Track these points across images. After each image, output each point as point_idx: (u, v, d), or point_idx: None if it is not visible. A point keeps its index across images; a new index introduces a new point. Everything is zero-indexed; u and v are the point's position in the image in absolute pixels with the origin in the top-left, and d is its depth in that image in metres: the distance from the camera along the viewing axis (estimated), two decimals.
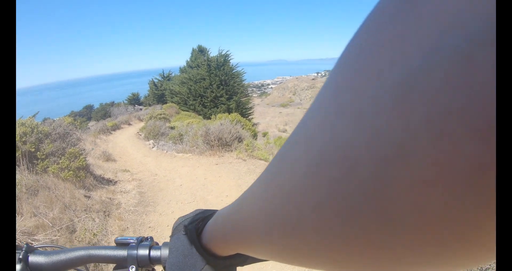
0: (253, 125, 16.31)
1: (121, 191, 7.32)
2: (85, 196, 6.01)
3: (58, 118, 7.99)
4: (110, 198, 6.56)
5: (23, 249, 0.73)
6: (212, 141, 9.94)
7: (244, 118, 15.34)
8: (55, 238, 3.86)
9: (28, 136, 6.29)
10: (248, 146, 9.63)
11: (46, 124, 7.29)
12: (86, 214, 5.13)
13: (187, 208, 6.14)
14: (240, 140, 10.06)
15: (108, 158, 11.25)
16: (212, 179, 7.82)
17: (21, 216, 4.13)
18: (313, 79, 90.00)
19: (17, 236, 3.45)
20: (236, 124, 10.50)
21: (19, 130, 6.20)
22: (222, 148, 9.85)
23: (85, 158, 7.20)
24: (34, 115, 10.93)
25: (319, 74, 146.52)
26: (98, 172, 8.41)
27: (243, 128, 10.83)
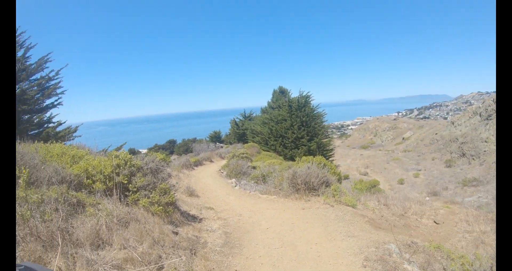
0: (336, 168, 16.00)
1: (207, 229, 7.35)
2: (173, 232, 6.06)
3: (146, 151, 8.21)
4: (196, 236, 6.58)
5: None
6: (298, 185, 9.83)
7: (329, 162, 15.11)
8: None
9: (121, 168, 6.58)
10: (335, 191, 9.40)
11: (138, 158, 7.57)
12: (174, 250, 5.16)
13: (275, 254, 5.99)
14: (327, 184, 9.86)
15: (191, 193, 11.47)
16: (299, 224, 7.63)
17: (111, 247, 4.19)
18: (394, 119, 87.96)
19: (107, 269, 3.47)
20: (323, 168, 10.31)
21: (113, 161, 6.51)
22: (308, 192, 9.69)
23: (174, 193, 7.34)
24: (121, 146, 11.41)
25: (400, 113, 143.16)
26: (184, 207, 8.55)
27: (329, 172, 10.61)
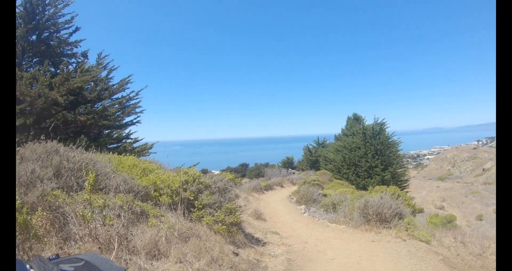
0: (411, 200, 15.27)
1: (269, 254, 7.15)
2: (234, 253, 5.97)
3: (219, 173, 8.33)
4: (257, 259, 6.42)
5: None
6: (369, 215, 9.37)
7: (403, 192, 14.48)
8: None
9: (189, 184, 6.70)
10: (409, 224, 8.84)
11: (207, 177, 7.61)
12: None
13: None
14: (400, 216, 9.31)
15: (258, 216, 11.37)
16: (367, 257, 7.17)
17: (167, 259, 4.13)
18: (474, 148, 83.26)
19: None
20: (397, 199, 9.78)
21: (182, 177, 6.63)
22: (380, 224, 9.19)
23: (240, 214, 7.26)
24: (195, 165, 11.63)
25: (480, 142, 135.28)
26: (249, 229, 8.43)
27: (403, 204, 10.06)
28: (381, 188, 11.96)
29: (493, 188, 49.98)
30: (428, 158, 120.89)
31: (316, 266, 6.79)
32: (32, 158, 5.37)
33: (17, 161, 5.13)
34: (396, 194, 10.87)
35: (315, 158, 38.44)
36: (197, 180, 6.84)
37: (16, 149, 6.10)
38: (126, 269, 0.64)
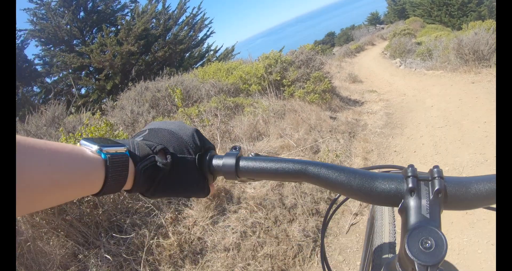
0: None
1: (367, 112, 7.30)
2: (331, 118, 6.17)
3: (299, 47, 8.32)
4: (356, 119, 6.60)
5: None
6: (466, 55, 8.85)
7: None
8: (298, 156, 4.03)
9: (273, 67, 6.83)
10: None
11: (288, 54, 7.72)
12: (331, 135, 5.24)
13: (438, 133, 5.60)
14: None
15: (354, 79, 11.36)
16: (467, 101, 6.92)
17: (268, 137, 4.45)
18: None
19: (262, 152, 3.71)
20: (493, 33, 9.06)
21: (264, 63, 6.85)
22: (478, 63, 8.67)
23: (330, 80, 7.36)
24: (281, 50, 11.72)
25: None
26: (345, 93, 8.53)
27: None
28: (475, 24, 10.98)
29: None
30: None
31: (415, 115, 6.82)
32: (129, 103, 6.10)
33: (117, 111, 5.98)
34: (492, 27, 10.03)
35: (401, 7, 35.93)
36: (279, 60, 6.95)
37: (114, 104, 6.89)
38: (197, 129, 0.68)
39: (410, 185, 0.58)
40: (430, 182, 0.59)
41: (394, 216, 1.14)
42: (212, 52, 15.61)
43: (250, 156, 0.73)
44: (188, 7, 14.86)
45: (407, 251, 0.52)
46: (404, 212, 0.59)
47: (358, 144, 5.41)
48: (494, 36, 8.64)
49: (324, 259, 0.86)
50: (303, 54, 7.56)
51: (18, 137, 0.46)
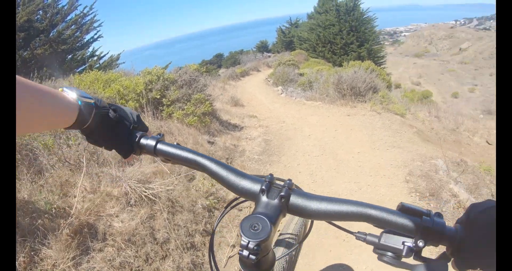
0: (387, 75, 15.30)
1: (246, 137, 7.17)
2: (209, 142, 5.93)
3: (184, 65, 8.02)
4: (234, 145, 6.44)
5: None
6: (344, 90, 9.34)
7: (378, 67, 14.44)
8: (170, 187, 3.65)
9: (154, 83, 6.39)
10: (383, 97, 8.88)
11: (172, 72, 7.36)
12: None
13: (315, 162, 5.73)
14: (374, 90, 9.32)
15: (236, 103, 11.30)
16: (342, 131, 7.30)
17: (140, 162, 3.97)
18: (451, 27, 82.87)
19: (132, 184, 3.32)
20: (371, 73, 9.70)
21: (145, 79, 6.36)
22: (354, 98, 9.22)
23: (211, 103, 7.15)
24: (167, 66, 11.28)
25: (458, 22, 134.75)
26: (225, 117, 8.36)
27: (377, 78, 10.02)
28: (355, 63, 11.75)
29: (468, 67, 50.60)
30: (404, 35, 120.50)
31: (293, 143, 6.88)
32: None
33: None
34: (370, 68, 10.78)
35: (289, 39, 37.63)
36: (161, 77, 6.56)
37: None
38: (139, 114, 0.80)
39: (263, 187, 0.78)
40: (279, 189, 0.78)
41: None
42: (96, 58, 14.51)
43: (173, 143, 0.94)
44: (80, 4, 13.63)
45: (240, 228, 0.67)
46: (255, 205, 0.78)
47: None
48: (371, 75, 9.25)
49: (212, 257, 0.92)
50: (187, 73, 7.25)
51: (19, 78, 0.63)
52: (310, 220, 1.09)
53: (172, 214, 3.37)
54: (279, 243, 1.42)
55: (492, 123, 14.27)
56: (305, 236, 1.10)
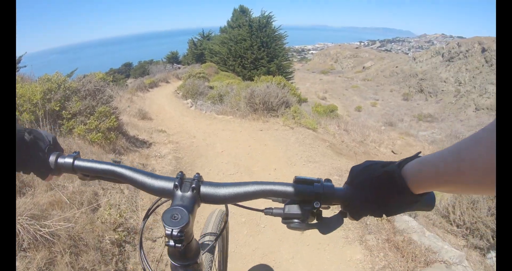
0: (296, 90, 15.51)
1: (155, 155, 6.62)
2: (114, 162, 5.27)
3: (89, 73, 7.27)
4: (143, 164, 5.84)
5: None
6: (256, 104, 9.10)
7: (289, 82, 14.53)
8: (71, 224, 2.97)
9: (53, 92, 5.45)
10: (295, 112, 8.77)
11: (76, 80, 6.54)
12: (114, 184, 4.22)
13: (230, 180, 5.35)
14: (287, 105, 9.20)
15: (144, 116, 10.66)
16: (257, 147, 7.00)
17: (33, 189, 3.21)
18: (356, 48, 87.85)
19: (24, 222, 2.63)
20: (283, 88, 9.59)
21: (43, 87, 5.35)
22: (267, 113, 9.01)
23: (118, 117, 6.47)
24: (72, 72, 10.31)
25: (362, 43, 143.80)
26: (132, 132, 7.73)
27: (289, 93, 9.94)
28: (267, 77, 11.61)
29: (371, 84, 53.78)
30: (312, 53, 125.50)
31: (206, 161, 6.45)
32: None
33: None
34: (282, 83, 10.71)
35: (200, 51, 37.49)
36: (62, 86, 5.62)
37: None
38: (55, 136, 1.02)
39: (176, 183, 0.85)
40: (190, 183, 0.86)
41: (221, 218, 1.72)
42: None
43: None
44: None
45: (162, 218, 0.74)
46: (171, 200, 0.85)
47: (145, 194, 4.65)
48: (284, 90, 9.14)
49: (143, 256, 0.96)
50: (92, 83, 6.43)
51: None
52: (226, 212, 1.18)
53: (75, 255, 2.79)
54: (203, 243, 1.50)
55: (393, 134, 15.03)
56: (225, 224, 1.21)
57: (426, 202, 0.79)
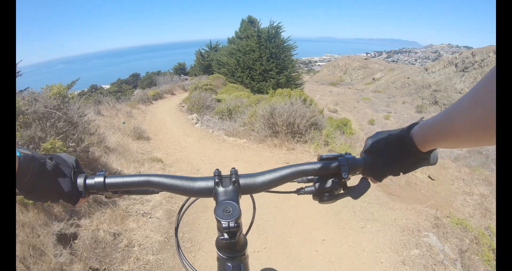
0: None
1: (137, 212, 4.35)
2: (54, 245, 3.14)
3: (45, 86, 5.22)
4: (114, 235, 3.71)
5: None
6: (278, 126, 7.30)
7: (312, 98, 12.88)
8: None
9: None
10: (328, 136, 6.94)
11: (27, 96, 4.59)
12: None
13: (256, 264, 3.46)
14: (316, 127, 7.34)
15: (140, 135, 8.94)
16: (287, 196, 4.77)
17: None
18: (365, 59, 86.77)
19: None
20: (310, 105, 7.67)
21: None
22: (292, 137, 7.19)
23: (88, 149, 4.49)
24: (73, 82, 8.65)
25: (369, 54, 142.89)
26: (116, 163, 5.75)
27: (319, 112, 8.04)
28: (283, 91, 9.58)
29: (382, 96, 52.42)
30: (319, 65, 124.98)
31: (211, 219, 4.33)
32: None
33: None
34: (304, 98, 8.82)
35: (207, 63, 36.90)
36: None
37: None
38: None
39: (216, 180, 0.89)
40: (229, 178, 0.91)
41: None
42: None
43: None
44: None
45: (215, 215, 0.78)
46: (215, 196, 0.89)
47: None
48: (313, 108, 7.30)
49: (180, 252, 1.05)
50: (41, 102, 4.40)
51: None
52: (253, 205, 1.16)
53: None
54: None
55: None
56: (253, 215, 1.17)
57: (431, 159, 0.90)
